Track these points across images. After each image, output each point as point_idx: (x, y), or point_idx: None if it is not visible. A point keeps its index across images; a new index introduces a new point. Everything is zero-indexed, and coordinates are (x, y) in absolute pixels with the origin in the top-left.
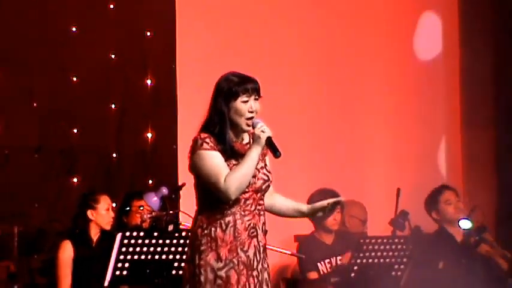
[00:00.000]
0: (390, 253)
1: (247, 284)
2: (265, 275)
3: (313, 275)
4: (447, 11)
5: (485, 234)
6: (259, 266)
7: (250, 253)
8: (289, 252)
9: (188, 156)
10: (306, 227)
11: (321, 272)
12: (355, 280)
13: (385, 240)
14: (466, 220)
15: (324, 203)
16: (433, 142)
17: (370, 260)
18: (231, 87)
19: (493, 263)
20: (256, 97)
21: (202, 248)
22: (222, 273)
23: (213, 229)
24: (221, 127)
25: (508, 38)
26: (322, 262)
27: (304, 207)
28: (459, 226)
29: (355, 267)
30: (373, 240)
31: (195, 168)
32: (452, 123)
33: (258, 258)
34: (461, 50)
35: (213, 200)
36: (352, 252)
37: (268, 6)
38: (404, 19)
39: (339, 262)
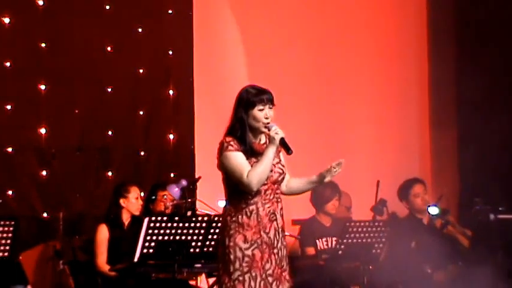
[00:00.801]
0: (371, 234)
1: (269, 260)
2: (284, 252)
3: (310, 251)
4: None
5: (449, 217)
6: (279, 245)
7: (271, 234)
8: (288, 234)
9: (217, 157)
10: (300, 213)
11: (318, 248)
12: (342, 257)
13: (367, 224)
14: (434, 207)
15: (328, 167)
16: (406, 139)
17: (355, 240)
18: (249, 98)
19: (455, 241)
20: (271, 106)
21: (231, 232)
22: (249, 252)
23: (239, 216)
24: (242, 131)
25: (470, 50)
26: (320, 239)
27: (314, 177)
28: (428, 212)
29: (342, 246)
30: (357, 224)
31: (222, 166)
32: (422, 123)
33: (278, 238)
34: (429, 62)
35: (239, 192)
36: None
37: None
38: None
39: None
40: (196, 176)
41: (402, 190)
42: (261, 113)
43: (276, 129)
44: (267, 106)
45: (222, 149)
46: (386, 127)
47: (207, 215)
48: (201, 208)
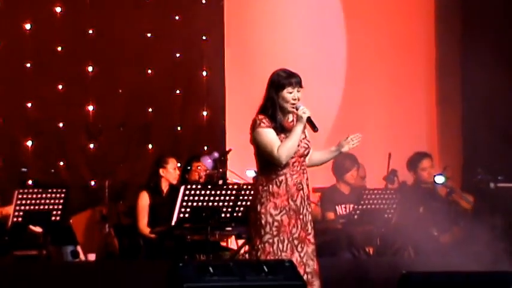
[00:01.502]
0: (384, 201)
1: (295, 224)
2: (309, 217)
3: (330, 215)
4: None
5: (451, 183)
6: (304, 211)
7: (298, 202)
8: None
9: (249, 132)
10: (319, 182)
11: (338, 213)
12: (358, 221)
13: (380, 192)
14: (440, 176)
15: (346, 137)
16: (415, 116)
17: (369, 206)
18: (280, 81)
19: (458, 205)
20: (299, 89)
21: (263, 200)
22: (278, 217)
23: (270, 186)
24: (273, 110)
25: (475, 29)
26: (339, 205)
27: (333, 147)
28: (435, 181)
29: (358, 212)
30: (371, 192)
31: (255, 141)
32: (429, 101)
33: (304, 205)
34: (436, 43)
35: (269, 165)
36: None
37: None
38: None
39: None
40: (227, 149)
41: (411, 162)
42: (290, 95)
43: (303, 109)
44: (296, 89)
45: (254, 126)
46: (397, 106)
47: (236, 183)
48: (231, 177)
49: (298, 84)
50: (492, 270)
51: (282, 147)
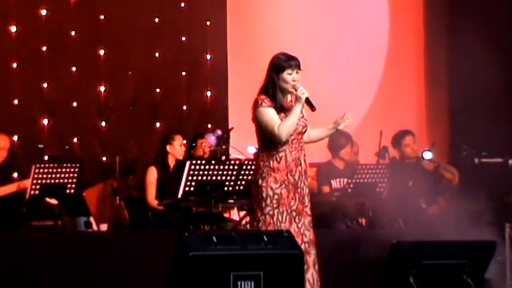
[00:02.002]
0: (376, 176)
1: (294, 197)
2: (306, 191)
3: (325, 189)
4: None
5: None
6: (302, 185)
7: (296, 176)
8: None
9: (251, 111)
10: (317, 157)
11: (333, 187)
12: (351, 194)
13: (372, 167)
14: (429, 152)
15: (343, 115)
16: (405, 97)
17: (362, 180)
18: (280, 64)
19: (443, 178)
20: (298, 71)
21: (264, 174)
22: (278, 191)
23: (271, 161)
24: (273, 91)
25: (460, 22)
26: (334, 180)
27: (330, 125)
28: (423, 157)
29: (351, 185)
30: (364, 167)
31: (257, 120)
32: (418, 85)
33: (301, 179)
34: (425, 32)
35: (270, 142)
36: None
37: None
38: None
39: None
40: (229, 127)
41: (395, 140)
42: (290, 76)
43: (302, 89)
44: (295, 70)
45: (256, 105)
46: (388, 88)
47: (238, 159)
48: (233, 153)
49: (297, 66)
50: (476, 239)
51: (282, 126)
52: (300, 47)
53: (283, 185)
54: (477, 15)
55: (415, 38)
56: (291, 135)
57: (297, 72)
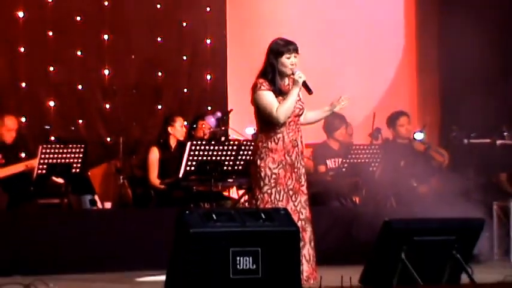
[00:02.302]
0: (369, 156)
1: (291, 177)
2: (302, 170)
3: (321, 168)
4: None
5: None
6: (299, 165)
7: (293, 157)
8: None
9: (251, 94)
10: (313, 138)
11: (328, 167)
12: (346, 173)
13: (365, 147)
14: (420, 133)
15: (339, 97)
16: (398, 80)
17: (356, 160)
18: (279, 48)
19: (433, 159)
20: (296, 55)
21: (262, 155)
22: (276, 170)
23: (269, 142)
24: (272, 75)
25: (450, 9)
26: (329, 160)
27: (326, 107)
28: (414, 138)
29: (346, 165)
30: (358, 147)
31: (255, 103)
32: (410, 69)
33: (298, 159)
34: (417, 18)
35: (268, 124)
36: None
37: None
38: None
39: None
40: (228, 109)
41: (391, 120)
42: (288, 61)
43: (299, 73)
44: (293, 55)
45: (255, 89)
46: (381, 71)
47: (237, 140)
48: (232, 134)
49: (295, 51)
50: (465, 217)
51: (280, 108)
52: (297, 30)
53: (281, 165)
54: (468, 5)
55: (407, 23)
56: (288, 117)
57: (295, 57)
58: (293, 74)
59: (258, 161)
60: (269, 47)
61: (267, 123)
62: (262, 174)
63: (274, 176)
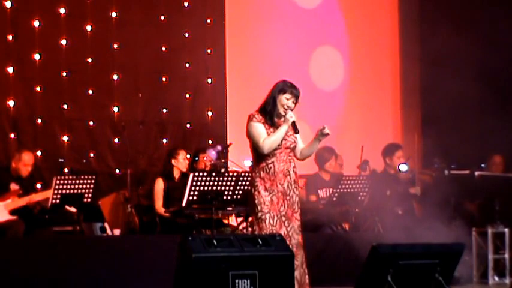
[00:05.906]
0: (358, 186)
1: (283, 204)
2: (296, 198)
3: (313, 198)
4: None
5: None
6: (291, 193)
7: (285, 185)
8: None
9: (246, 126)
10: (306, 170)
11: (319, 196)
12: (336, 202)
13: (354, 178)
14: (404, 165)
15: (321, 127)
16: (384, 118)
17: (346, 190)
18: (284, 87)
19: (420, 181)
20: (294, 100)
21: (256, 183)
22: (268, 198)
23: (261, 172)
24: (272, 106)
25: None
26: (321, 189)
27: (313, 138)
28: (399, 169)
29: (336, 194)
30: (347, 178)
31: (249, 134)
32: (393, 105)
33: (290, 188)
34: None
35: (261, 155)
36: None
37: None
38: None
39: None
40: (228, 143)
41: (388, 150)
42: (286, 101)
43: (291, 113)
44: (292, 100)
45: (249, 120)
46: (370, 113)
47: (236, 171)
48: (231, 166)
49: (296, 97)
50: (446, 241)
51: (266, 140)
52: (289, 72)
53: (273, 193)
54: (447, 22)
55: (390, 49)
56: (279, 149)
57: (293, 102)
58: (285, 113)
59: (253, 190)
60: (275, 84)
61: (259, 154)
62: (256, 202)
63: (267, 203)
